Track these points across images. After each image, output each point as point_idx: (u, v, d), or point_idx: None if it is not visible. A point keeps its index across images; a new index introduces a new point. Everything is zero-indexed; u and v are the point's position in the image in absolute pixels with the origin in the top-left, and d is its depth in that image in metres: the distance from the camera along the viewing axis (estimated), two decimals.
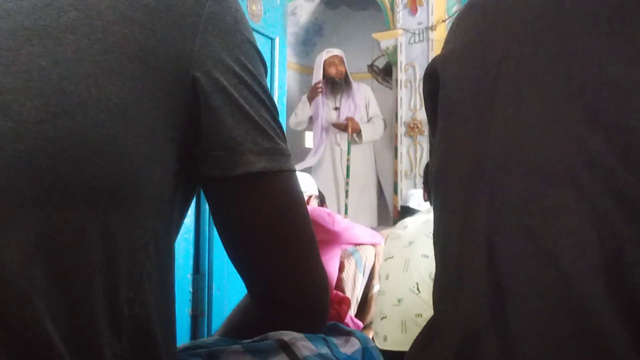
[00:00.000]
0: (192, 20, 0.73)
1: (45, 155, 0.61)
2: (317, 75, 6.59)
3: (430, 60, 0.80)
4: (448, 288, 0.71)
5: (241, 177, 0.75)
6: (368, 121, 6.60)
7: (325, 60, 6.56)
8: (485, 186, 0.64)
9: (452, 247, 0.70)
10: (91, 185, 0.63)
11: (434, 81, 0.76)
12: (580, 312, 0.54)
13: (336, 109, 6.66)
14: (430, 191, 0.79)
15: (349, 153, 6.45)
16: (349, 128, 6.38)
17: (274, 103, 0.80)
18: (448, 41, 0.79)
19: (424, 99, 0.81)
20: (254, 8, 2.69)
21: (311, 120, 6.74)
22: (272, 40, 2.82)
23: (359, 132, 6.42)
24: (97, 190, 0.63)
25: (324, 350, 0.81)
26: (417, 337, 0.77)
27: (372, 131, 6.52)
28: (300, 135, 7.03)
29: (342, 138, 6.52)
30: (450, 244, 0.71)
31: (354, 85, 6.64)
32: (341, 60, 6.58)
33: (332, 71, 6.56)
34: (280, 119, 0.83)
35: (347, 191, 6.41)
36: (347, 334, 0.89)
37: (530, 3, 0.66)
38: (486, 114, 0.66)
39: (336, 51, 6.58)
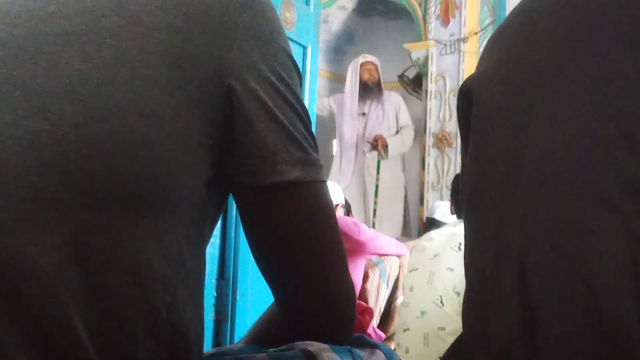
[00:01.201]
0: (230, 29, 0.73)
1: (81, 158, 0.61)
2: (353, 79, 6.60)
3: (463, 76, 0.81)
4: (479, 307, 0.71)
5: (273, 186, 0.75)
6: (397, 131, 6.59)
7: (360, 64, 6.58)
8: (519, 207, 0.64)
9: (485, 267, 0.69)
10: (126, 189, 0.63)
11: (468, 100, 0.75)
12: (612, 335, 0.54)
13: (363, 114, 6.66)
14: (461, 208, 0.79)
15: (378, 172, 6.45)
16: (378, 146, 6.39)
17: (307, 113, 0.80)
18: (482, 60, 0.78)
19: (458, 118, 0.80)
20: (287, 15, 2.70)
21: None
22: (305, 48, 2.82)
23: (386, 147, 6.41)
24: (131, 194, 0.64)
25: None
26: (446, 353, 0.76)
27: (400, 144, 6.52)
28: (327, 142, 7.03)
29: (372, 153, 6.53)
30: (483, 264, 0.70)
31: (385, 93, 6.64)
32: (375, 67, 6.61)
33: (366, 76, 6.58)
34: (312, 123, 0.83)
35: (375, 210, 6.39)
36: (373, 346, 0.88)
37: (566, 24, 0.65)
38: (521, 135, 0.65)
39: (372, 58, 6.61)
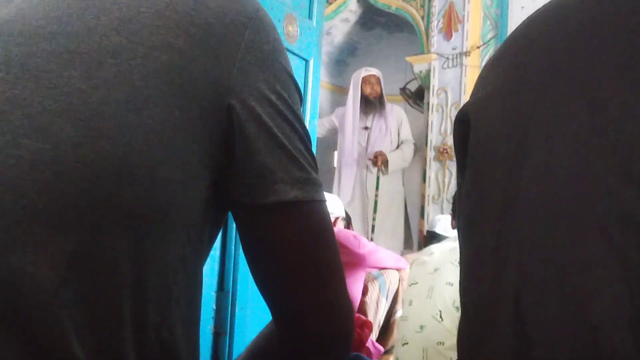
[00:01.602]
0: (231, 49, 0.74)
1: (81, 178, 0.62)
2: (355, 92, 6.61)
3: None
4: (474, 335, 0.71)
5: (272, 206, 0.75)
6: (398, 145, 6.60)
7: (362, 78, 6.60)
8: (515, 236, 0.64)
9: (481, 295, 0.69)
10: (125, 209, 0.64)
11: (465, 126, 0.75)
12: None
13: (366, 128, 6.67)
14: (458, 234, 0.79)
15: (377, 188, 6.46)
16: (378, 163, 6.40)
17: (307, 132, 0.81)
18: (479, 86, 0.78)
19: (454, 144, 0.80)
20: (290, 29, 2.70)
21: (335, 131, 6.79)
22: (307, 61, 2.83)
23: (386, 163, 6.43)
24: (130, 214, 0.64)
25: None
26: None
27: (401, 159, 6.53)
28: (328, 154, 7.03)
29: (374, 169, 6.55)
30: (479, 292, 0.70)
31: (388, 106, 6.65)
32: (378, 80, 6.62)
33: (367, 90, 6.60)
34: (312, 140, 0.83)
35: (373, 226, 6.40)
36: None
37: (562, 52, 0.65)
38: (517, 163, 0.65)
39: (374, 71, 6.63)
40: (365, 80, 6.63)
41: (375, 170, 6.54)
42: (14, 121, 0.62)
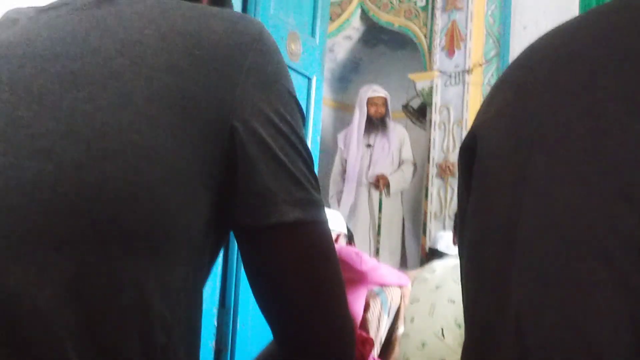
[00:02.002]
0: (234, 71, 0.74)
1: (83, 199, 0.62)
2: (361, 111, 6.62)
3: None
4: (479, 357, 0.71)
5: (274, 227, 0.76)
6: (399, 165, 6.61)
7: (368, 98, 6.60)
8: (517, 259, 0.64)
9: (485, 319, 0.69)
10: (126, 230, 0.64)
11: (471, 149, 0.75)
12: None
13: (369, 146, 6.67)
14: (460, 256, 0.79)
15: (380, 210, 6.46)
16: (380, 186, 6.41)
17: (310, 153, 0.81)
18: (484, 108, 0.78)
19: (459, 173, 0.80)
20: (293, 47, 2.71)
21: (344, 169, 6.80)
22: (310, 79, 2.84)
23: (387, 185, 6.44)
24: (131, 235, 0.64)
25: None
26: None
27: (402, 180, 6.55)
28: (329, 170, 7.03)
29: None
30: (483, 316, 0.70)
31: (391, 125, 6.65)
32: (384, 102, 6.62)
33: (372, 110, 6.60)
34: (314, 157, 0.84)
35: (377, 249, 6.39)
36: None
37: (563, 79, 0.66)
38: (520, 187, 0.66)
39: (382, 92, 6.61)
40: (370, 101, 6.63)
41: (377, 193, 6.54)
42: (17, 142, 0.62)
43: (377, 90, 6.64)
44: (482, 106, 0.79)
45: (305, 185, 0.78)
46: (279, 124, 0.77)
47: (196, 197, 0.70)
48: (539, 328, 0.60)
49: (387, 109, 6.65)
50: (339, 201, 6.63)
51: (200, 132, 0.70)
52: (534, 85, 0.69)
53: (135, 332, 0.64)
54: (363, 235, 6.37)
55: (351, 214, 6.49)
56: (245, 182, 0.74)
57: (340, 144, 6.84)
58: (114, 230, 0.63)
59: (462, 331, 2.85)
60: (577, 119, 0.62)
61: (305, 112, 0.86)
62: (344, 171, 6.81)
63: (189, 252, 0.71)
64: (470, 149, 0.76)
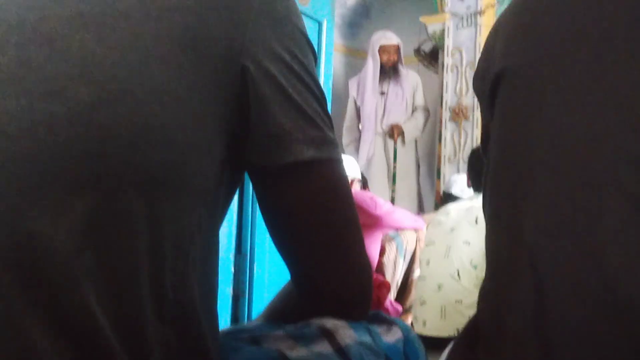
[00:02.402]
0: (244, 9, 0.73)
1: (96, 141, 0.62)
2: (374, 59, 6.57)
3: (479, 49, 0.80)
4: (495, 293, 0.71)
5: (289, 166, 0.75)
6: (412, 113, 6.59)
7: (380, 46, 6.54)
8: (530, 191, 0.64)
9: (501, 253, 0.70)
10: (140, 172, 0.64)
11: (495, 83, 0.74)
12: (626, 315, 0.54)
13: (382, 93, 6.64)
14: (482, 189, 0.79)
15: (395, 160, 6.46)
16: (395, 135, 6.39)
17: (322, 92, 0.80)
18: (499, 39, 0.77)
19: (481, 94, 0.79)
20: None
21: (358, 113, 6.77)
22: (320, 23, 2.82)
23: (402, 134, 6.43)
24: (145, 177, 0.64)
25: (366, 338, 0.81)
26: (460, 337, 0.77)
27: (415, 128, 6.53)
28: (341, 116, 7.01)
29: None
30: (499, 250, 0.71)
31: (403, 72, 6.61)
32: (396, 50, 6.56)
33: (384, 58, 6.55)
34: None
35: (393, 198, 6.40)
36: (390, 322, 0.89)
37: (578, 11, 0.65)
38: (534, 118, 0.65)
39: (394, 40, 6.54)
40: (382, 49, 6.57)
41: (391, 141, 6.54)
42: (29, 85, 0.62)
43: (389, 38, 6.57)
44: (493, 29, 0.78)
45: (319, 124, 0.77)
46: (291, 63, 0.76)
47: (209, 138, 0.70)
48: (551, 257, 0.60)
49: (399, 56, 6.59)
50: (357, 149, 6.62)
51: (211, 73, 0.69)
52: (547, 14, 0.69)
53: (146, 272, 0.65)
54: (379, 184, 6.37)
55: (367, 163, 6.49)
56: (258, 123, 0.74)
57: (353, 92, 6.81)
58: (127, 172, 0.63)
59: (477, 272, 2.87)
60: (584, 46, 0.62)
61: (316, 56, 0.85)
62: (357, 117, 6.79)
63: (203, 194, 0.71)
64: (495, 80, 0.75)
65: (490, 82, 0.74)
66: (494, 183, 0.74)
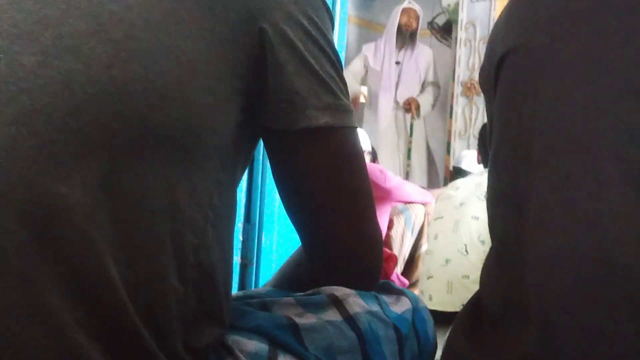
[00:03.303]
0: None
1: (113, 99, 0.61)
2: (393, 24, 6.53)
3: (494, 24, 0.80)
4: (494, 266, 0.71)
5: (303, 131, 0.75)
6: (422, 87, 6.57)
7: (403, 8, 6.51)
8: (534, 167, 0.64)
9: (503, 227, 0.70)
10: (156, 132, 0.63)
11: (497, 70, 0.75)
12: (624, 282, 0.54)
13: (397, 63, 6.61)
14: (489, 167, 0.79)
15: (411, 135, 6.44)
16: (412, 109, 6.37)
17: (339, 59, 0.80)
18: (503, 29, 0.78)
19: (485, 78, 0.80)
20: None
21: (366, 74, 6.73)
22: None
23: (418, 108, 6.40)
24: (161, 137, 0.64)
25: (375, 307, 0.82)
26: (463, 312, 0.77)
27: (427, 103, 6.51)
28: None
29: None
30: (501, 225, 0.71)
31: (419, 46, 6.58)
32: (417, 17, 6.52)
33: (404, 19, 6.50)
34: None
35: (407, 172, 6.40)
36: (399, 292, 0.89)
37: None
38: (531, 95, 0.65)
39: (417, 6, 6.51)
40: (405, 11, 6.53)
41: (403, 114, 6.52)
42: (45, 41, 0.61)
43: (413, 4, 6.54)
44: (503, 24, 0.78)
45: (334, 90, 0.77)
46: (309, 27, 0.75)
47: (226, 100, 0.70)
48: (553, 230, 0.60)
49: (417, 26, 6.56)
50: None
51: (229, 35, 0.69)
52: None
53: (167, 233, 0.65)
54: (389, 157, 6.36)
55: (378, 135, 6.47)
56: (274, 86, 0.74)
57: (369, 58, 6.76)
58: (145, 132, 0.63)
59: (485, 247, 2.88)
60: (583, 20, 0.62)
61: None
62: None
63: (220, 156, 0.70)
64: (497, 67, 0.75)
65: (494, 69, 0.74)
66: (496, 161, 0.74)
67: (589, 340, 0.56)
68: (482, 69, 0.82)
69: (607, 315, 0.55)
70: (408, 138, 6.49)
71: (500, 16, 0.79)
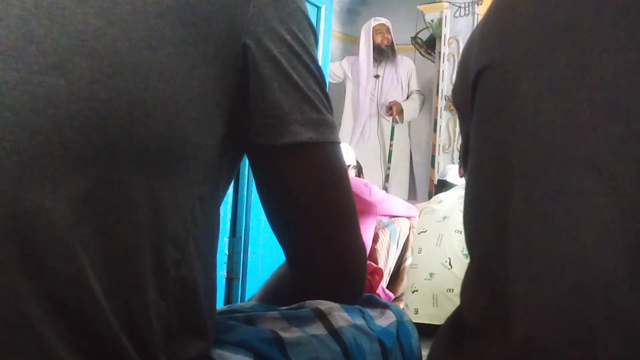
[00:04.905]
0: None
1: (96, 115, 0.61)
2: (367, 42, 6.61)
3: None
4: (475, 280, 0.72)
5: (286, 147, 0.76)
6: (408, 97, 6.62)
7: (373, 27, 6.59)
8: (511, 180, 0.64)
9: (483, 243, 0.70)
10: (140, 146, 0.64)
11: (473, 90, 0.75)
12: (601, 293, 0.55)
13: (377, 76, 6.66)
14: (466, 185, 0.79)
15: (392, 139, 6.47)
16: (393, 112, 6.41)
17: (322, 74, 0.80)
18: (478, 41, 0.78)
19: (460, 95, 0.80)
20: None
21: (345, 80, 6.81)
22: (319, 8, 2.81)
23: (401, 112, 6.45)
24: (145, 152, 0.64)
25: (360, 321, 0.82)
26: (444, 327, 0.77)
27: (412, 109, 6.56)
28: (339, 102, 7.00)
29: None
30: (480, 241, 0.72)
31: (398, 57, 6.65)
32: (388, 29, 6.65)
33: (378, 39, 6.63)
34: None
35: (387, 175, 6.43)
36: (383, 306, 0.89)
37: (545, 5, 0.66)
38: (508, 108, 0.66)
39: (383, 20, 6.64)
40: (375, 30, 6.63)
41: (387, 122, 6.56)
42: (28, 57, 0.61)
43: (378, 19, 6.71)
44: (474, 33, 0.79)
45: (318, 105, 0.77)
46: (292, 43, 0.76)
47: (210, 114, 0.70)
48: (533, 243, 0.60)
49: (392, 36, 6.65)
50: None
51: (212, 50, 0.69)
52: (516, 11, 0.69)
53: (148, 247, 0.65)
54: (372, 167, 6.39)
55: (360, 147, 6.50)
56: (258, 101, 0.74)
57: (346, 69, 6.84)
58: (128, 147, 0.63)
59: (469, 261, 2.87)
60: (559, 33, 0.62)
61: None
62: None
63: (204, 171, 0.71)
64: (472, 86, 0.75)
65: (471, 86, 0.75)
66: (474, 176, 0.74)
67: (569, 350, 0.56)
68: (456, 87, 0.83)
69: (586, 323, 0.56)
70: (390, 142, 6.53)
71: (473, 33, 0.80)
